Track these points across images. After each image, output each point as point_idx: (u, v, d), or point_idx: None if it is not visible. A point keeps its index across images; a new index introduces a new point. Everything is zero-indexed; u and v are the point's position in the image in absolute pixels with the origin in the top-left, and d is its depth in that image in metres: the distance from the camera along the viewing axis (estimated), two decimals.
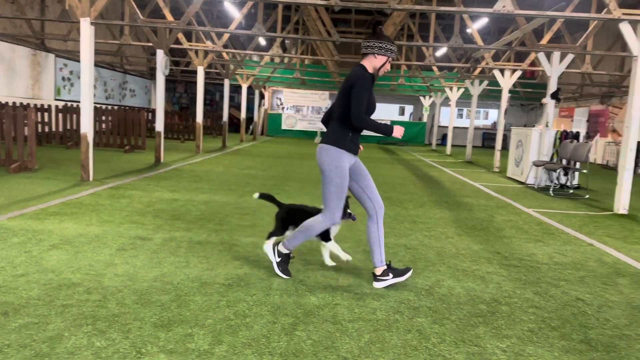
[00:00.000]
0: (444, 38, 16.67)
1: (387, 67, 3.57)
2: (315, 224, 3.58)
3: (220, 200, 6.69)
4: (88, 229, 4.78)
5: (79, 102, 18.12)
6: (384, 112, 29.35)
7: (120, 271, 3.61)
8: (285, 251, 3.71)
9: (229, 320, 2.89)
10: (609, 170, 15.86)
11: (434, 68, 19.28)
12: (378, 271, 3.62)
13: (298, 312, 3.07)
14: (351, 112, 3.40)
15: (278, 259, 3.70)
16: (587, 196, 9.08)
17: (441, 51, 22.32)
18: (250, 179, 9.02)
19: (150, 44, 11.94)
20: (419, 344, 2.74)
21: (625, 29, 7.15)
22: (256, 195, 4.11)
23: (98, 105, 15.16)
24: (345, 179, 3.50)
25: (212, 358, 2.45)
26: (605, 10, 7.31)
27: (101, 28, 19.91)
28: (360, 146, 3.67)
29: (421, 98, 25.92)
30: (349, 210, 3.79)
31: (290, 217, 3.90)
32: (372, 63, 3.53)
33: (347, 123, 3.48)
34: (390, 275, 3.62)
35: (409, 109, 29.79)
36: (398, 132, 3.49)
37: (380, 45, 3.49)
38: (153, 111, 18.69)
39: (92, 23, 7.74)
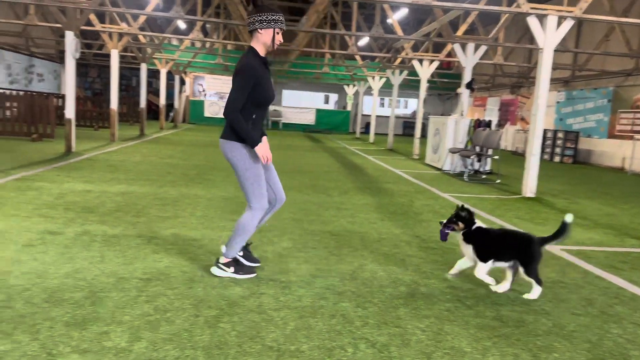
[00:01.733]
0: (366, 28, 16.95)
1: (279, 38, 3.30)
2: (246, 221, 3.38)
3: (137, 191, 6.40)
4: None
5: None
6: (310, 100, 29.47)
7: (27, 268, 3.35)
8: (227, 260, 3.49)
9: (148, 316, 2.77)
10: (518, 156, 16.98)
11: (357, 57, 19.59)
12: (223, 259, 3.48)
13: (222, 303, 3.01)
14: (226, 103, 3.20)
15: (232, 269, 3.47)
16: (499, 181, 9.65)
17: (364, 41, 22.71)
18: (171, 168, 8.72)
19: (59, 25, 11.12)
20: (343, 328, 2.78)
21: (533, 22, 7.61)
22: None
23: (1, 91, 13.94)
24: (256, 166, 3.31)
25: (131, 356, 2.35)
26: (515, 4, 7.74)
27: (3, 7, 18.24)
28: (264, 137, 3.44)
29: (345, 87, 26.28)
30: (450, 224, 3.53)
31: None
32: (261, 40, 3.27)
33: (242, 114, 3.24)
34: (232, 269, 3.47)
35: (333, 97, 30.11)
36: (261, 151, 3.24)
37: (261, 18, 3.22)
38: (63, 97, 17.47)
39: None
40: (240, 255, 3.57)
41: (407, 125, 28.83)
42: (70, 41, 10.00)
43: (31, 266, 3.41)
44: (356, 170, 10.12)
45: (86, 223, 4.64)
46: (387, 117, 27.59)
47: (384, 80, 19.74)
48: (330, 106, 29.92)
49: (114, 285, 3.18)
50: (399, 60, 16.55)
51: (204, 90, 27.16)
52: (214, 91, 27.13)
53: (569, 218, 3.37)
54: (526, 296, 3.41)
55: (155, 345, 2.46)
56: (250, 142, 3.22)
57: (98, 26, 13.02)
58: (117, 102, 13.55)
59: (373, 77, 20.11)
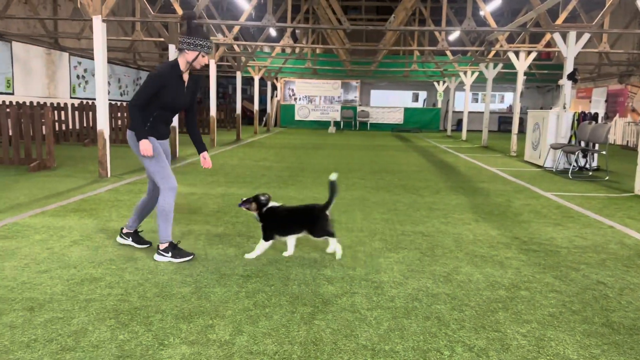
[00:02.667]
0: (457, 22, 16.44)
1: (201, 60, 3.72)
2: (164, 205, 3.72)
3: (236, 192, 6.73)
4: (108, 224, 4.85)
5: (94, 99, 18.32)
6: (398, 99, 29.16)
7: (140, 265, 3.67)
8: (165, 245, 3.80)
9: (248, 311, 2.92)
10: (629, 151, 15.57)
11: (447, 52, 19.06)
12: (161, 246, 3.80)
13: (316, 301, 3.09)
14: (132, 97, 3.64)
15: (169, 254, 3.78)
16: (607, 178, 8.94)
17: (454, 35, 22.05)
18: (265, 170, 9.05)
19: (162, 39, 11.99)
20: (438, 330, 2.74)
21: None
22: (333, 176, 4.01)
23: (113, 102, 15.31)
24: (156, 152, 3.74)
25: (233, 348, 2.49)
26: None
27: (113, 25, 20.03)
28: (161, 140, 3.90)
29: (435, 84, 25.68)
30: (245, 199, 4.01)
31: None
32: (185, 58, 3.71)
33: (145, 110, 3.70)
34: (170, 254, 3.77)
35: (422, 95, 29.54)
36: (143, 145, 3.63)
37: (189, 41, 3.65)
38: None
39: (104, 20, 7.80)
40: (131, 240, 4.09)
41: (503, 121, 27.53)
42: (173, 54, 10.74)
43: (144, 263, 3.72)
44: (448, 169, 9.86)
45: (191, 223, 4.97)
46: (481, 112, 26.57)
47: (476, 74, 19.03)
48: (419, 104, 29.38)
49: (217, 281, 3.39)
50: (492, 53, 15.87)
51: (294, 95, 27.87)
52: (303, 95, 27.74)
53: (333, 176, 3.85)
54: (329, 250, 3.98)
55: (255, 339, 2.58)
56: (137, 134, 3.65)
57: None
58: (216, 109, 14.32)
59: (465, 72, 19.46)
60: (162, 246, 3.81)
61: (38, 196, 6.13)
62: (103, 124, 7.90)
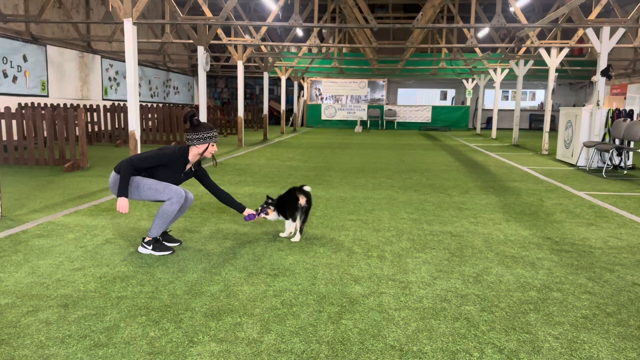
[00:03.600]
0: (486, 18, 16.18)
1: (211, 149, 4.02)
2: (168, 210, 3.86)
3: (263, 192, 6.78)
4: (139, 223, 4.95)
5: (125, 101, 18.72)
6: (425, 97, 28.87)
7: (170, 263, 3.73)
8: (149, 239, 3.96)
9: (276, 310, 2.94)
10: None
11: (477, 50, 18.77)
12: (147, 239, 3.97)
13: (343, 300, 3.09)
14: (134, 156, 3.83)
15: (150, 247, 3.95)
16: None
17: (483, 32, 21.70)
18: (292, 170, 9.09)
19: (191, 41, 12.17)
20: (467, 331, 2.70)
21: None
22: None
23: (144, 104, 15.62)
24: (141, 182, 3.86)
25: (262, 346, 2.51)
26: None
27: (143, 28, 20.42)
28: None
29: (464, 81, 25.32)
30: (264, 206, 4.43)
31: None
32: (195, 152, 3.98)
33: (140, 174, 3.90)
34: (151, 247, 3.95)
35: (450, 93, 29.16)
36: (120, 202, 3.72)
37: (198, 136, 3.94)
38: (196, 107, 19.09)
39: (134, 23, 7.96)
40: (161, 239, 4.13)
41: (534, 119, 26.96)
42: (201, 55, 10.89)
43: (173, 261, 3.79)
44: (477, 168, 9.71)
45: (219, 222, 5.03)
46: (511, 110, 26.09)
47: (506, 71, 18.69)
48: (448, 102, 29.01)
49: (245, 279, 3.42)
50: (523, 49, 15.56)
51: (320, 94, 27.89)
52: (330, 94, 27.73)
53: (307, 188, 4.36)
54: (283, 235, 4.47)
55: (283, 338, 2.60)
56: (119, 190, 3.74)
57: (225, 40, 14.01)
58: (243, 109, 14.45)
59: (495, 70, 19.13)
60: (147, 239, 3.99)
61: (72, 196, 6.30)
62: (134, 125, 8.06)
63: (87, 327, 2.69)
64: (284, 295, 3.15)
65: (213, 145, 4.02)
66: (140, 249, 4.00)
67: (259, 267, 3.69)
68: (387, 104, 27.35)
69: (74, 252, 3.99)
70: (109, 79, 18.57)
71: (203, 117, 11.08)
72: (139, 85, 18.17)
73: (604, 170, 9.12)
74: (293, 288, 3.28)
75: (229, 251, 4.07)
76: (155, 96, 22.71)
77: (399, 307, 3.00)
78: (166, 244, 4.10)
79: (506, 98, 28.18)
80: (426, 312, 2.94)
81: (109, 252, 4.00)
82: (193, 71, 26.30)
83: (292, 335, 2.63)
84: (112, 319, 2.79)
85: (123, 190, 3.76)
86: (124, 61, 18.48)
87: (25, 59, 13.77)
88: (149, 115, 14.06)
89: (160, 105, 18.52)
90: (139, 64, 20.73)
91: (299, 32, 25.72)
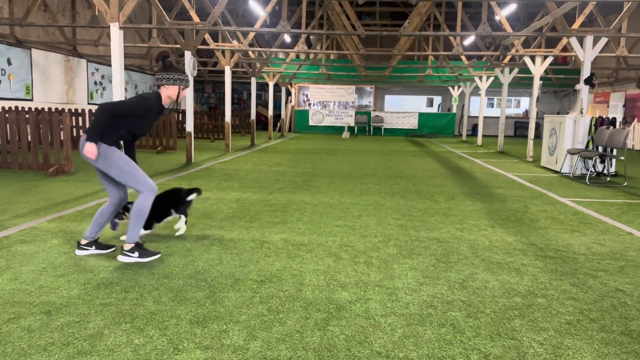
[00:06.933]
0: (472, 27, 16.37)
1: (184, 93, 4.00)
2: (143, 206, 3.83)
3: (250, 197, 6.76)
4: (124, 229, 4.89)
5: None
6: (412, 104, 29.05)
7: (156, 269, 3.70)
8: (131, 245, 3.88)
9: (262, 316, 2.92)
10: None
11: (463, 57, 18.98)
12: (127, 246, 3.88)
13: (330, 307, 3.08)
14: (109, 102, 3.69)
15: (135, 254, 3.85)
16: (626, 184, 8.79)
17: (469, 40, 21.94)
18: (280, 175, 9.08)
19: (178, 46, 12.12)
20: (453, 337, 2.71)
21: None
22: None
23: None
24: (124, 160, 3.79)
25: (247, 353, 2.49)
26: None
27: (130, 32, 20.30)
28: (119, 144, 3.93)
29: (450, 88, 25.55)
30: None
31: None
32: (166, 93, 3.92)
33: (114, 123, 3.75)
34: (136, 254, 3.85)
35: (437, 100, 29.40)
36: (88, 148, 3.60)
37: (169, 76, 3.88)
38: (183, 112, 18.99)
39: (121, 27, 7.91)
40: (94, 248, 4.05)
41: (519, 126, 27.29)
42: (189, 60, 10.85)
43: (159, 268, 3.75)
44: (463, 175, 9.79)
45: (205, 228, 5.00)
46: (496, 117, 26.35)
47: (492, 79, 18.90)
48: (434, 109, 29.24)
49: (231, 286, 3.40)
50: (508, 58, 15.76)
51: (308, 100, 27.93)
52: (317, 100, 27.79)
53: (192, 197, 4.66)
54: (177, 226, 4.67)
55: (269, 345, 2.58)
56: (89, 133, 3.60)
57: (212, 45, 13.98)
58: (231, 115, 14.41)
59: (480, 77, 19.34)
60: (128, 246, 3.87)
61: (56, 201, 6.22)
62: None
63: (71, 334, 2.65)
64: (270, 302, 3.14)
65: (183, 89, 3.99)
66: (123, 259, 3.85)
67: (245, 273, 3.67)
68: (374, 110, 27.47)
69: (58, 258, 3.93)
70: (95, 83, 18.42)
71: (190, 122, 11.03)
72: (125, 89, 18.04)
73: (587, 177, 9.24)
74: (279, 294, 3.27)
75: (215, 257, 4.04)
76: None
77: (386, 314, 3.01)
78: (148, 249, 4.00)
79: (491, 105, 28.48)
80: (412, 318, 2.95)
81: (93, 258, 3.95)
82: None
83: (278, 342, 2.62)
84: (96, 326, 2.75)
85: (94, 134, 3.60)
86: (110, 65, 18.35)
87: (9, 62, 13.61)
88: None
89: None
90: (125, 68, 20.59)
91: (287, 38, 25.76)
